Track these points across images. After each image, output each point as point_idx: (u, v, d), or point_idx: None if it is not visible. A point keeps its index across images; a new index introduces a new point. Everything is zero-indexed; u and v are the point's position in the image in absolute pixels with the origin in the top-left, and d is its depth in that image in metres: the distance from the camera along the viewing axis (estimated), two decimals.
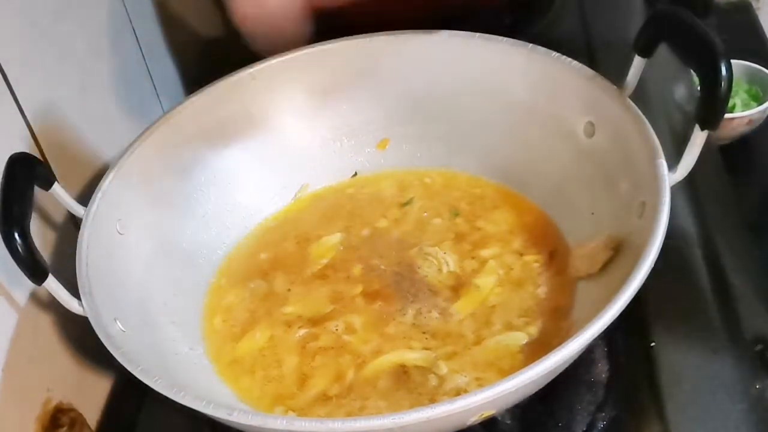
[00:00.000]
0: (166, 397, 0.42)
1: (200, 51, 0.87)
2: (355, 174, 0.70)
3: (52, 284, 0.48)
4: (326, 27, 0.71)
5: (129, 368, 0.44)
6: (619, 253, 0.52)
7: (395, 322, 0.56)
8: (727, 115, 0.79)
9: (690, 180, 0.49)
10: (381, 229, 0.64)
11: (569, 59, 0.59)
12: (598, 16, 0.81)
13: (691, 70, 0.48)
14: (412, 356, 0.53)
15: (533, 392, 0.46)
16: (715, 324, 0.51)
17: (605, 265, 0.53)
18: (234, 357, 0.56)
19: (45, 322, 0.55)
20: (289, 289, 0.60)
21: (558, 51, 0.60)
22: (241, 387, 0.54)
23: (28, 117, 0.54)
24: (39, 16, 0.56)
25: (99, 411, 0.59)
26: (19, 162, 0.50)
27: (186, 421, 0.52)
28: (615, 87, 0.55)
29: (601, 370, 0.52)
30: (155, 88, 0.76)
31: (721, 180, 0.66)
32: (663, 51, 0.51)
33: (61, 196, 0.54)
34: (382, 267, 0.60)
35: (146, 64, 0.74)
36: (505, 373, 0.50)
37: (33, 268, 0.47)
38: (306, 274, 0.62)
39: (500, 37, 0.63)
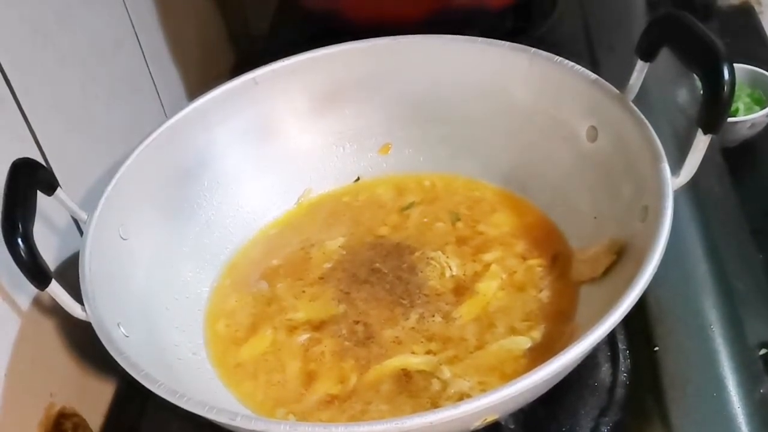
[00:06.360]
0: (168, 402, 0.42)
1: (203, 56, 0.87)
2: (358, 179, 0.70)
3: (55, 289, 0.48)
4: (328, 31, 0.71)
5: (132, 373, 0.44)
6: (621, 257, 0.52)
7: (398, 326, 0.56)
8: (729, 119, 0.79)
9: (693, 184, 0.49)
10: (383, 233, 0.64)
11: (571, 63, 0.59)
12: (600, 20, 0.81)
13: (694, 74, 0.47)
14: (415, 360, 0.53)
15: (537, 397, 0.46)
16: (718, 328, 0.51)
17: (608, 269, 0.53)
18: (237, 361, 0.56)
19: (48, 327, 0.55)
20: (292, 294, 0.60)
21: (560, 55, 0.60)
22: (243, 391, 0.54)
23: (32, 122, 0.54)
24: (42, 21, 0.57)
25: (102, 416, 0.59)
26: (22, 167, 0.50)
27: (189, 426, 0.52)
28: (617, 91, 0.55)
29: (605, 374, 0.52)
30: (158, 93, 0.76)
31: (724, 184, 0.66)
32: (665, 55, 0.51)
33: (64, 201, 0.54)
34: (385, 271, 0.60)
35: (149, 69, 0.74)
36: (508, 377, 0.50)
37: (36, 273, 0.47)
38: (309, 278, 0.61)
39: (502, 41, 0.63)
